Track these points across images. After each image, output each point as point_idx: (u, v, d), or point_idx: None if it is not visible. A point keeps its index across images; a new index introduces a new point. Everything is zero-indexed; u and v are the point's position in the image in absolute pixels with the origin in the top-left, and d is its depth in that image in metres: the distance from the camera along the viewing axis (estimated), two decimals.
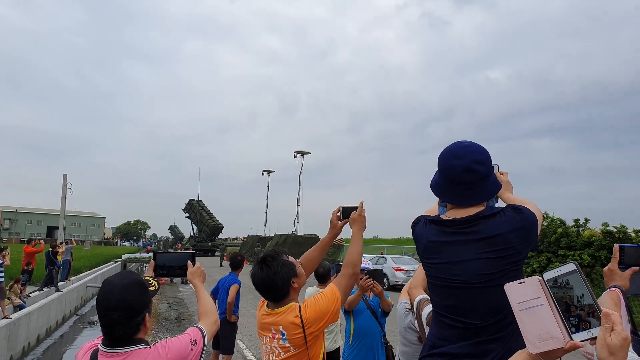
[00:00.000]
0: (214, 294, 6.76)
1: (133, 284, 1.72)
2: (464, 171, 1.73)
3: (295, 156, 48.75)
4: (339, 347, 4.85)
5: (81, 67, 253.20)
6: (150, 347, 1.74)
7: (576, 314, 1.07)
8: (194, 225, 63.87)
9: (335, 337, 4.90)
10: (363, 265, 4.24)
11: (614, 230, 14.24)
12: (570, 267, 1.08)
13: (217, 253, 49.17)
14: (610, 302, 1.63)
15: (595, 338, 1.02)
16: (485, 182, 1.76)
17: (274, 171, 57.77)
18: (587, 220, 15.37)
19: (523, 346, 1.67)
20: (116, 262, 36.86)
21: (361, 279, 3.72)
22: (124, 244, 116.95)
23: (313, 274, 4.09)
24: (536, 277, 1.13)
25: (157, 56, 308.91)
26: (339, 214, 2.46)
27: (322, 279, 4.93)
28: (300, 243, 36.76)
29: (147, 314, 1.75)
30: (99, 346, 1.73)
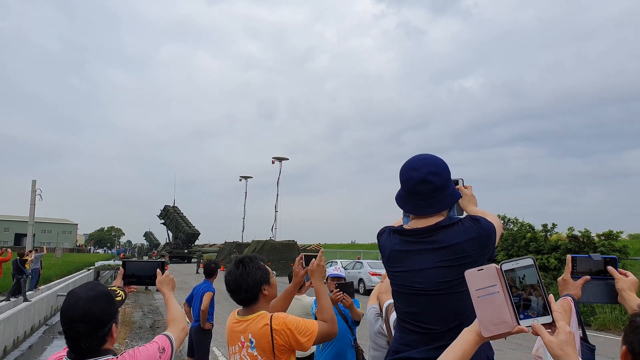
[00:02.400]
0: (189, 301, 6.73)
1: (98, 295, 1.70)
2: (420, 182, 1.82)
3: (273, 162, 48.74)
4: (313, 353, 4.88)
5: (53, 70, 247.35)
6: (117, 358, 1.74)
7: (517, 294, 1.19)
8: (169, 231, 62.97)
9: None
10: (335, 273, 4.31)
11: (579, 234, 14.65)
12: (528, 261, 1.20)
13: (193, 260, 48.58)
14: (561, 310, 1.70)
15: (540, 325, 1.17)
16: (441, 192, 1.83)
17: (251, 177, 57.75)
18: (554, 225, 15.79)
19: (480, 349, 1.75)
20: (89, 269, 35.97)
21: (331, 291, 3.78)
22: (97, 251, 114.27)
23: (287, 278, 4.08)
24: (494, 266, 1.23)
25: (133, 60, 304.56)
26: (301, 261, 2.49)
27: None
28: (278, 249, 36.61)
29: (114, 324, 1.74)
30: (64, 358, 1.72)
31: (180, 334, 2.07)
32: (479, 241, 1.74)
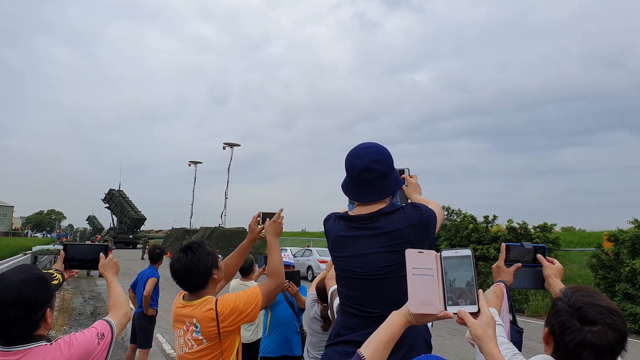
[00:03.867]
0: (134, 287, 6.64)
1: (31, 279, 1.63)
2: (364, 170, 1.87)
3: (224, 148, 47.77)
4: (260, 338, 4.91)
5: None
6: (51, 344, 1.67)
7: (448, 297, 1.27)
8: (114, 216, 60.67)
9: (257, 329, 4.96)
10: (284, 260, 4.33)
11: (517, 226, 15.49)
12: (466, 252, 1.28)
13: (138, 245, 47.14)
14: (493, 295, 1.82)
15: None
16: (384, 180, 1.89)
17: (201, 162, 56.22)
18: (495, 217, 16.58)
19: (418, 332, 1.83)
20: (25, 254, 33.98)
21: None
22: (36, 235, 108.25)
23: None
24: (433, 252, 1.30)
25: (78, 36, 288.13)
26: (258, 218, 2.50)
27: (245, 272, 4.96)
28: (227, 236, 36.21)
29: (49, 309, 1.67)
30: None
31: (122, 320, 2.00)
32: (419, 227, 1.82)
